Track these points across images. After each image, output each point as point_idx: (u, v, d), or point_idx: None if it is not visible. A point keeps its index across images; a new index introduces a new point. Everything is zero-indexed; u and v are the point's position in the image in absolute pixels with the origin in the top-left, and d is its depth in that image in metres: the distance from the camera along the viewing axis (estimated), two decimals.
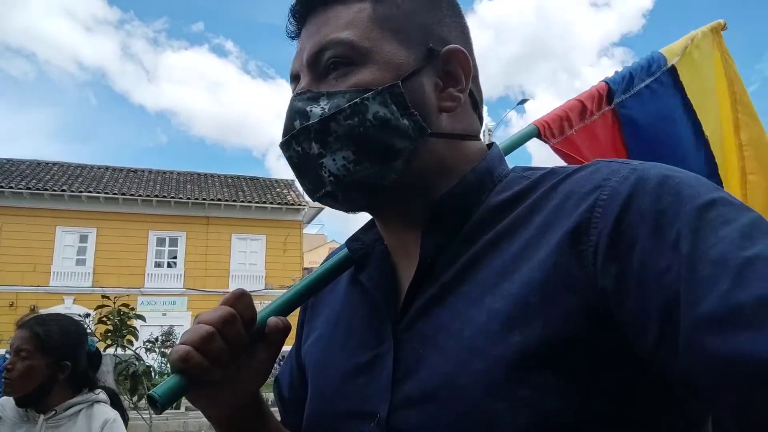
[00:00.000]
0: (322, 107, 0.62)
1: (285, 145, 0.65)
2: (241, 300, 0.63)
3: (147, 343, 9.89)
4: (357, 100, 0.61)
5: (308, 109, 0.63)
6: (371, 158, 0.62)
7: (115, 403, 2.12)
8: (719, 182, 1.47)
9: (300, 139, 0.63)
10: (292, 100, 0.65)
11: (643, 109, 1.44)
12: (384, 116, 0.61)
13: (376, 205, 0.67)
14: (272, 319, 0.66)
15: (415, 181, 0.65)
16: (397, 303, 0.64)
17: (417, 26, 0.65)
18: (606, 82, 1.46)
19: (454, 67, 0.66)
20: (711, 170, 1.46)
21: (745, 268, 0.41)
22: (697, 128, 1.46)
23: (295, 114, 0.64)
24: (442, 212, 0.64)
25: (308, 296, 0.74)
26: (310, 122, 0.62)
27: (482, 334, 0.53)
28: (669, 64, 1.47)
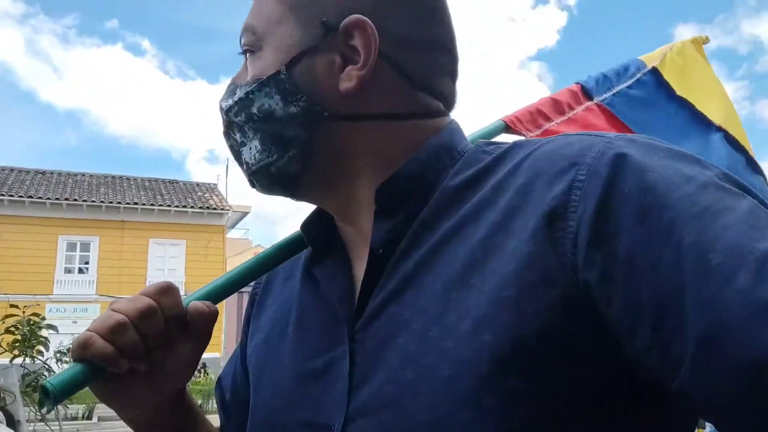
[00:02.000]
0: (230, 101, 0.62)
1: (225, 136, 0.66)
2: (167, 294, 0.58)
3: (57, 354, 9.38)
4: (242, 95, 0.60)
5: (222, 104, 0.63)
6: (270, 149, 0.60)
7: (11, 422, 2.02)
8: (755, 164, 1.38)
9: (228, 130, 0.64)
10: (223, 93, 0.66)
11: (630, 105, 1.36)
12: (268, 109, 0.59)
13: (296, 194, 0.64)
14: (194, 303, 0.60)
15: (331, 168, 0.61)
16: (353, 300, 0.58)
17: None
18: (579, 83, 1.39)
19: (357, 42, 0.58)
20: (738, 149, 1.36)
21: (766, 263, 0.37)
22: (699, 117, 1.38)
23: (219, 108, 0.65)
24: (393, 194, 0.58)
25: (249, 280, 0.68)
26: (223, 118, 0.64)
27: (450, 335, 0.47)
28: (649, 67, 1.41)
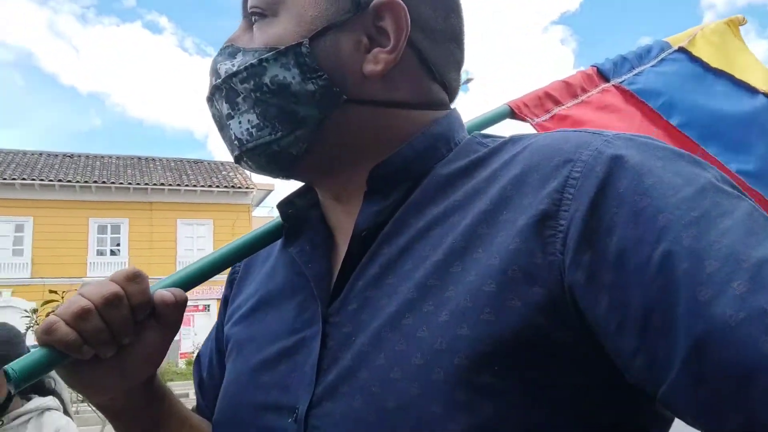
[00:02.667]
0: (231, 65, 0.57)
1: (208, 102, 0.61)
2: (134, 282, 0.56)
3: None
4: (255, 61, 0.55)
5: (218, 66, 0.58)
6: (273, 125, 0.56)
7: (68, 410, 2.04)
8: None
9: (215, 97, 0.59)
10: (217, 53, 0.60)
11: (657, 82, 1.29)
12: (283, 81, 0.54)
13: (292, 174, 0.61)
14: (160, 292, 0.58)
15: (338, 153, 0.58)
16: (330, 281, 0.57)
17: None
18: (595, 65, 1.34)
19: (387, 24, 0.56)
20: None
21: (761, 270, 0.36)
22: (742, 84, 1.30)
23: (211, 70, 0.60)
24: (385, 177, 0.56)
25: (224, 266, 0.66)
26: (216, 82, 0.59)
27: (425, 324, 0.46)
28: (675, 47, 1.34)
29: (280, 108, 0.55)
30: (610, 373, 0.43)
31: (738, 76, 1.32)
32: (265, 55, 0.55)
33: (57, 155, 21.32)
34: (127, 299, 0.55)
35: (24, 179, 18.82)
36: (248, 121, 0.57)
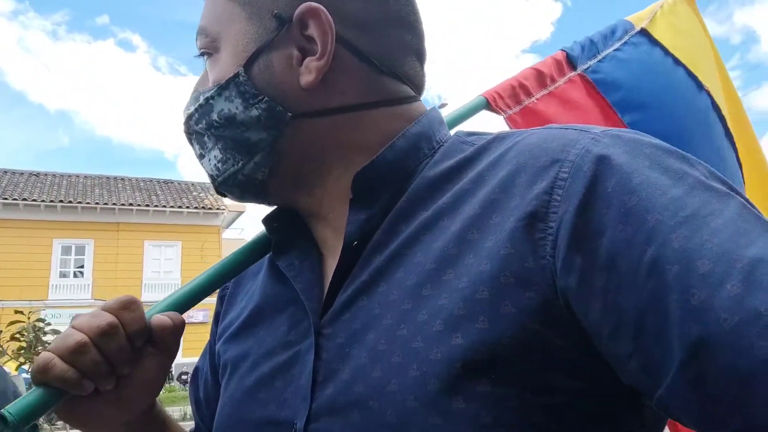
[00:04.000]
0: (191, 109, 0.60)
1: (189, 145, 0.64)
2: (129, 310, 0.55)
3: None
4: (202, 101, 0.58)
5: (185, 111, 0.61)
6: (234, 156, 0.57)
7: None
8: (730, 136, 1.35)
9: (190, 140, 0.62)
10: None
11: (619, 70, 1.31)
12: (229, 113, 0.56)
13: (267, 200, 0.61)
14: (157, 317, 0.56)
15: (302, 169, 0.58)
16: (322, 293, 0.56)
17: None
18: (564, 50, 1.34)
19: (312, 31, 0.55)
20: (719, 116, 1.34)
21: (754, 271, 0.36)
22: (693, 78, 1.34)
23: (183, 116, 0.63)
24: (370, 183, 0.55)
25: (214, 288, 0.65)
26: (183, 127, 0.62)
27: (420, 334, 0.46)
28: (637, 28, 1.36)
29: (234, 139, 0.57)
30: (606, 377, 0.43)
31: (690, 67, 1.34)
32: (210, 93, 0.57)
33: (23, 173, 20.84)
34: (122, 328, 0.54)
35: None
36: (215, 156, 0.59)
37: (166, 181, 22.83)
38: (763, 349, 0.33)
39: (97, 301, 18.85)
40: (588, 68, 1.31)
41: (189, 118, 0.59)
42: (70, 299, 19.09)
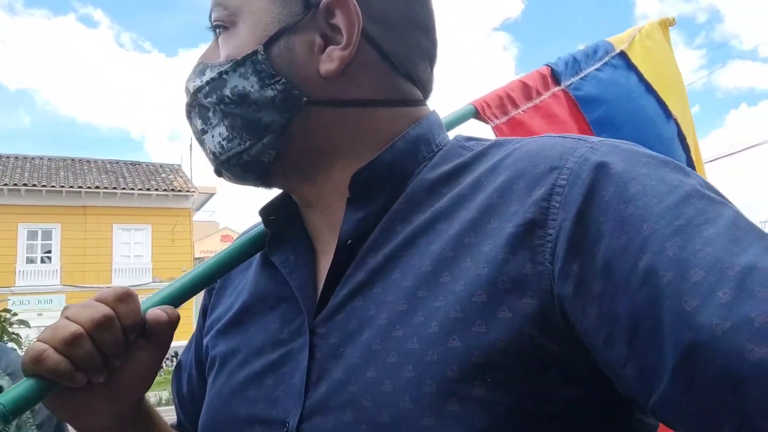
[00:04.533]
0: (198, 82, 0.58)
1: (187, 120, 0.62)
2: (125, 302, 0.54)
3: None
4: (215, 75, 0.56)
5: (188, 84, 0.60)
6: (241, 135, 0.56)
7: None
8: (692, 165, 1.42)
9: (190, 115, 0.61)
10: (190, 72, 0.61)
11: (598, 90, 1.38)
12: (243, 90, 0.55)
13: (269, 182, 0.61)
14: (153, 311, 0.56)
15: (308, 156, 0.58)
16: (316, 291, 0.56)
17: None
18: (549, 65, 1.41)
19: (339, 20, 0.55)
20: (684, 147, 1.42)
21: (746, 278, 0.37)
22: (663, 105, 1.41)
23: (185, 88, 0.61)
24: (367, 183, 0.56)
25: (209, 282, 0.64)
26: (187, 99, 0.60)
27: (415, 335, 0.46)
28: (617, 50, 1.43)
29: (244, 117, 0.56)
30: (600, 384, 0.44)
31: (661, 94, 1.42)
32: (224, 68, 0.56)
33: None
34: (118, 320, 0.53)
35: None
36: (219, 134, 0.57)
37: (133, 163, 22.38)
38: (754, 352, 0.34)
39: (66, 287, 18.55)
40: (571, 84, 1.38)
41: (198, 90, 0.58)
42: (37, 285, 18.73)
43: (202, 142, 0.60)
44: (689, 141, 1.44)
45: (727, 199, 0.44)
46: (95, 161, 21.71)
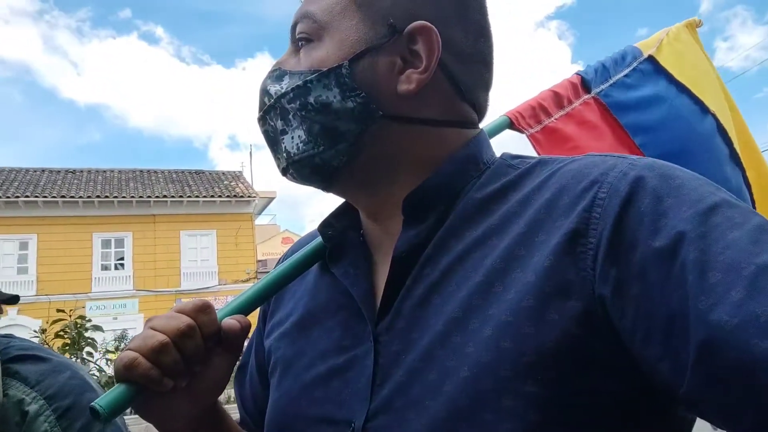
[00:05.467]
0: (279, 87, 0.62)
1: (260, 121, 0.66)
2: (204, 313, 0.58)
3: (107, 353, 9.61)
4: (300, 83, 0.60)
5: (269, 88, 0.63)
6: (317, 139, 0.60)
7: None
8: (736, 157, 1.42)
9: (269, 116, 0.64)
10: (265, 76, 0.65)
11: (628, 96, 1.41)
12: (325, 100, 0.59)
13: (332, 187, 0.65)
14: (227, 321, 0.60)
15: (375, 166, 0.62)
16: (375, 301, 0.60)
17: None
18: (579, 74, 1.44)
19: (420, 47, 0.60)
20: (725, 140, 1.42)
21: (759, 276, 0.40)
22: (698, 103, 1.42)
23: (261, 92, 0.65)
24: (419, 203, 0.60)
25: (275, 291, 0.69)
26: (268, 102, 0.63)
27: (472, 340, 0.50)
28: (645, 55, 1.45)
29: (323, 124, 0.60)
30: (641, 379, 0.46)
31: (695, 92, 1.42)
32: (310, 77, 0.60)
33: (59, 171, 21.38)
34: (199, 330, 0.57)
35: (27, 197, 18.88)
36: (298, 136, 0.61)
37: (197, 172, 23.18)
38: (760, 346, 0.37)
39: (139, 292, 19.37)
40: (601, 92, 1.41)
41: (282, 95, 0.62)
42: (112, 291, 19.63)
43: (277, 142, 0.64)
44: (731, 135, 1.43)
45: (756, 212, 0.46)
46: (162, 171, 22.60)
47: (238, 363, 0.81)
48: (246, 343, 0.81)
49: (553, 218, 0.51)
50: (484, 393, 0.47)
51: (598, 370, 0.47)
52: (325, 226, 0.68)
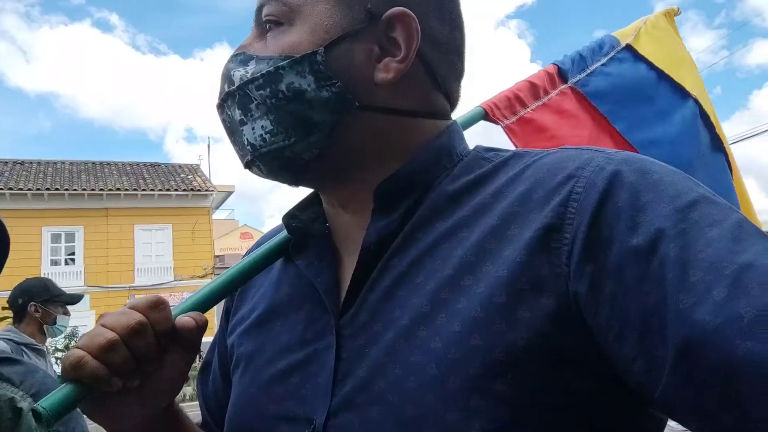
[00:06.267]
0: (245, 72, 0.58)
1: (218, 109, 0.62)
2: (158, 310, 0.56)
3: (56, 351, 9.25)
4: (271, 68, 0.56)
5: (232, 73, 0.59)
6: (287, 131, 0.57)
7: None
8: (718, 141, 1.43)
9: (228, 104, 0.60)
10: (227, 60, 0.62)
11: (606, 85, 1.40)
12: (299, 88, 0.56)
13: (302, 179, 0.62)
14: (182, 318, 0.57)
15: (347, 158, 0.59)
16: (340, 294, 0.58)
17: None
18: (555, 63, 1.44)
19: (398, 34, 0.58)
20: (706, 123, 1.42)
21: (741, 276, 0.39)
22: (678, 88, 1.43)
23: (223, 77, 0.61)
24: (392, 192, 0.58)
25: (235, 288, 0.67)
26: (229, 88, 0.60)
27: (438, 335, 0.48)
28: (623, 44, 1.45)
29: (295, 114, 0.57)
30: (614, 379, 0.46)
31: (675, 77, 1.43)
32: (281, 63, 0.56)
33: (7, 162, 20.56)
34: (151, 327, 0.55)
35: None
36: (261, 127, 0.58)
37: (153, 164, 22.62)
38: (742, 347, 0.36)
39: (90, 288, 18.83)
40: (578, 81, 1.41)
41: (249, 81, 0.57)
42: (62, 286, 18.98)
43: (236, 132, 0.60)
44: (713, 119, 1.44)
45: (734, 208, 0.46)
46: (116, 164, 21.98)
47: (201, 362, 0.80)
48: (210, 341, 0.79)
49: (526, 211, 0.50)
50: (452, 391, 0.46)
51: (571, 368, 0.46)
52: (290, 218, 0.66)
